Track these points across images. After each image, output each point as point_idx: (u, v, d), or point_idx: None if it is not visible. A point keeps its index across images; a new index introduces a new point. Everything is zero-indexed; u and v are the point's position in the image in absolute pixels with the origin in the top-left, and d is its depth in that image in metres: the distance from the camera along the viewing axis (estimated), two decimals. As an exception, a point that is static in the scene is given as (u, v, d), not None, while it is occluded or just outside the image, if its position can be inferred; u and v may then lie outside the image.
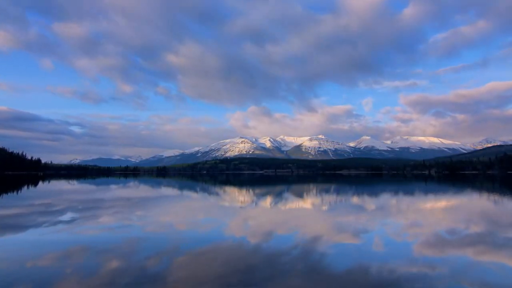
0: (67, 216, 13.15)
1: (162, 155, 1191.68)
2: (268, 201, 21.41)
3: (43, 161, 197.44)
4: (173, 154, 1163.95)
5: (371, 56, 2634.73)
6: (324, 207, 16.99)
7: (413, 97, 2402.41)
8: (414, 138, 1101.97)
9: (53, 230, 10.02)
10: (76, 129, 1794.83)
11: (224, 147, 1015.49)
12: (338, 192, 29.80)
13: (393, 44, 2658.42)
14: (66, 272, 6.15)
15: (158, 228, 10.70)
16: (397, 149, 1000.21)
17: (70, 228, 10.47)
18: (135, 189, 33.84)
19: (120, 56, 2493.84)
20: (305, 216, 14.03)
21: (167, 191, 31.98)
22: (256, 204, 19.19)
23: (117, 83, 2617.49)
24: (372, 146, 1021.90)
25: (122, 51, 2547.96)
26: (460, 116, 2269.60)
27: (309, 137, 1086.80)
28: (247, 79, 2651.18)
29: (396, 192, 28.72)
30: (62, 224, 11.15)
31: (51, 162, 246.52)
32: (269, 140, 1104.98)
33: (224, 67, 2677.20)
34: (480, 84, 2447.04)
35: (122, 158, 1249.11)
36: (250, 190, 32.69)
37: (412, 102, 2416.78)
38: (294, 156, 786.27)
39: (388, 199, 21.71)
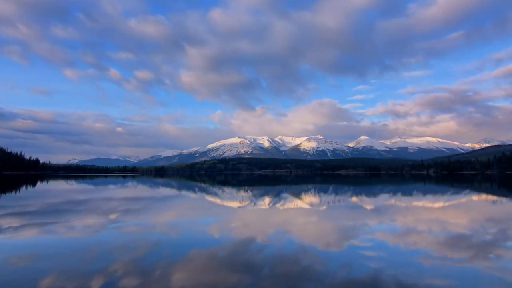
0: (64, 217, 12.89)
1: (160, 155, 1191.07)
2: (264, 202, 21.11)
3: (41, 161, 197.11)
4: (171, 154, 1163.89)
5: (347, 24, 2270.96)
6: (320, 211, 16.76)
7: (409, 88, 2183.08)
8: (412, 138, 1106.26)
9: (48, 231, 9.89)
10: (47, 126, 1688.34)
11: (222, 147, 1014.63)
12: (335, 193, 29.68)
13: (372, 3, 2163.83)
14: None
15: (146, 230, 10.34)
16: (396, 149, 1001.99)
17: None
18: (130, 190, 33.57)
19: (25, 18, 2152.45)
20: (299, 219, 13.73)
21: (162, 191, 31.71)
22: (250, 205, 18.88)
23: (56, 67, 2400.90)
24: (371, 146, 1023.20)
25: (25, 11, 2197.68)
26: (464, 110, 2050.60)
27: (307, 137, 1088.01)
28: (206, 58, 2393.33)
29: (394, 193, 28.63)
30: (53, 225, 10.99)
31: (49, 162, 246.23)
32: (267, 140, 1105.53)
33: (169, 38, 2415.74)
34: (491, 68, 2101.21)
35: (121, 158, 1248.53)
36: (247, 191, 32.52)
37: (409, 93, 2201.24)
38: (292, 156, 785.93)
39: (386, 201, 21.59)
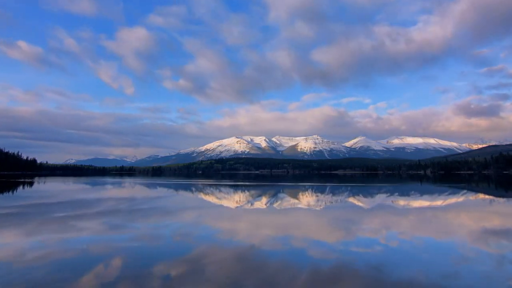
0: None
1: (158, 155, 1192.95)
2: (259, 203, 20.85)
3: (38, 161, 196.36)
4: (168, 154, 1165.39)
5: None
6: (316, 211, 16.59)
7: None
8: (409, 138, 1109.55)
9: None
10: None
11: (219, 147, 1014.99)
12: (332, 193, 29.56)
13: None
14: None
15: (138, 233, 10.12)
16: (393, 149, 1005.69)
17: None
18: (126, 190, 33.34)
19: None
20: (295, 219, 13.49)
21: (157, 192, 31.42)
22: (244, 205, 18.67)
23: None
24: (368, 146, 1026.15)
25: None
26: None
27: (304, 138, 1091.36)
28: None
29: (391, 194, 28.55)
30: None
31: (47, 162, 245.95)
32: (264, 140, 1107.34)
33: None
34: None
35: (118, 158, 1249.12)
36: (244, 191, 32.34)
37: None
38: (289, 156, 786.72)
39: (382, 201, 21.53)
